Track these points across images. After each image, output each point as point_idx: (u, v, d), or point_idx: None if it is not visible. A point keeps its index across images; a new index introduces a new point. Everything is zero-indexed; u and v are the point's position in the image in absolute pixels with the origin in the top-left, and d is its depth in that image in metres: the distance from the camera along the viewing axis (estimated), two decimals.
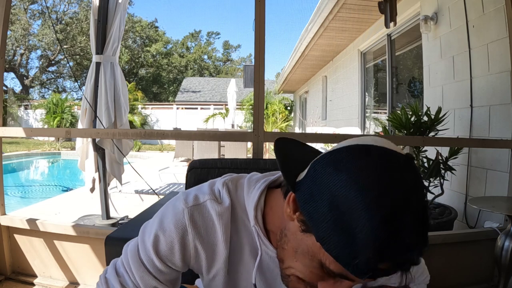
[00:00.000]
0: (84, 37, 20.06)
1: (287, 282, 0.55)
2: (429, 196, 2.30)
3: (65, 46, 20.49)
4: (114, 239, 1.01)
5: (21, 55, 21.41)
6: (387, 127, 2.90)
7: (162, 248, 0.61)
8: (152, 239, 0.61)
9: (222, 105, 15.95)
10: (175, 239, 0.60)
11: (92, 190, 2.68)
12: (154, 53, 26.31)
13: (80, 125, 2.61)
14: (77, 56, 21.17)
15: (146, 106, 16.36)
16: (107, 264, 0.98)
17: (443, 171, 2.23)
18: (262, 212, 0.62)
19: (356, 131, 5.35)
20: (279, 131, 11.30)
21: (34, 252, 1.95)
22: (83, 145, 2.61)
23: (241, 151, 7.17)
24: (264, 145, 1.78)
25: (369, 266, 0.43)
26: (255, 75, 1.76)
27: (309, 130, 9.41)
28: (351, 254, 0.43)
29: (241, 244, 0.63)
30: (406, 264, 0.45)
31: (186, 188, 1.37)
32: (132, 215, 2.74)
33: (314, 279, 0.51)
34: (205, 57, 30.80)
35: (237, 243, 0.63)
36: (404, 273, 0.48)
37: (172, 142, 13.52)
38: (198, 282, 0.93)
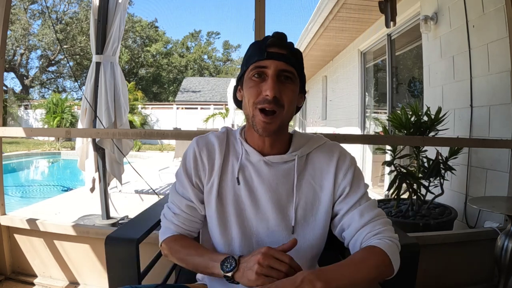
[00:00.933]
0: (84, 37, 20.06)
1: (255, 112, 0.80)
2: (429, 196, 2.31)
3: (65, 46, 20.50)
4: (114, 239, 1.01)
5: (21, 55, 21.41)
6: (387, 127, 2.90)
7: (186, 165, 0.87)
8: (180, 164, 0.89)
9: (222, 105, 15.94)
10: (190, 156, 0.87)
11: (92, 190, 2.67)
12: (154, 53, 26.29)
13: (80, 125, 2.60)
14: (77, 56, 21.16)
15: (146, 106, 16.36)
16: (107, 264, 0.99)
17: (443, 171, 2.23)
18: (245, 133, 0.89)
19: (356, 130, 5.36)
20: None
21: (34, 252, 1.95)
22: (83, 145, 2.61)
23: None
24: None
25: (262, 49, 0.78)
26: None
27: (309, 130, 9.41)
28: (253, 54, 0.80)
29: (229, 160, 0.86)
30: (279, 40, 0.79)
31: None
32: (132, 215, 2.74)
33: (255, 93, 0.78)
34: (205, 57, 30.80)
35: (226, 160, 0.86)
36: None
37: (172, 142, 13.52)
38: (198, 274, 0.98)
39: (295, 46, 0.83)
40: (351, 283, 0.67)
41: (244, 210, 0.83)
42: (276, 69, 0.77)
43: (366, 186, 0.86)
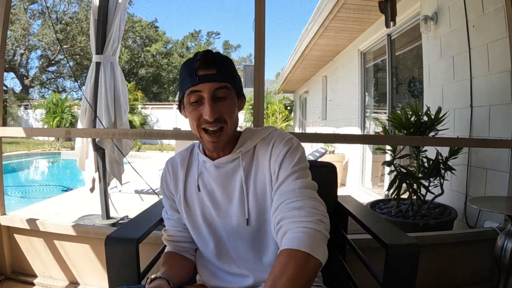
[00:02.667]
0: (84, 37, 20.03)
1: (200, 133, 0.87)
2: (429, 196, 2.31)
3: (65, 46, 20.48)
4: (114, 239, 1.01)
5: (21, 55, 21.40)
6: (387, 127, 2.90)
7: (161, 183, 1.00)
8: None
9: None
10: (162, 176, 1.00)
11: (92, 190, 2.67)
12: (154, 53, 26.26)
13: (80, 125, 2.60)
14: (77, 56, 21.14)
15: (146, 106, 16.35)
16: (107, 264, 0.99)
17: (443, 171, 2.23)
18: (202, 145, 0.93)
19: (356, 130, 5.35)
20: None
21: (34, 252, 1.95)
22: (83, 145, 2.60)
23: None
24: None
25: (193, 74, 0.81)
26: (255, 75, 1.76)
27: (309, 130, 9.40)
28: (186, 79, 0.83)
29: (191, 172, 0.95)
30: (206, 61, 0.81)
31: None
32: (132, 215, 2.73)
33: (196, 117, 0.83)
34: None
35: (189, 173, 0.95)
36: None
37: (172, 142, 13.51)
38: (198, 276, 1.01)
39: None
40: None
41: (208, 212, 0.91)
42: (210, 92, 0.81)
43: (300, 164, 0.82)
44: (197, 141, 1.00)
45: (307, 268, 0.64)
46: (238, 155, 0.89)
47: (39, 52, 22.11)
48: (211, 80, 0.80)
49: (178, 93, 0.90)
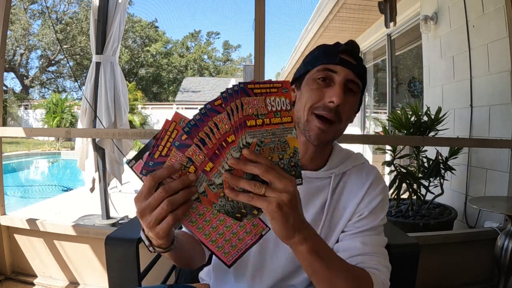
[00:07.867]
0: (84, 37, 20.05)
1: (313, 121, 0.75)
2: (429, 196, 2.31)
3: (65, 46, 20.48)
4: (114, 239, 1.01)
5: (21, 55, 21.41)
6: (387, 127, 2.90)
7: None
8: None
9: None
10: None
11: (92, 190, 2.67)
12: (154, 53, 26.29)
13: (80, 125, 2.60)
14: (77, 56, 21.16)
15: (146, 106, 16.37)
16: (107, 264, 0.99)
17: (443, 171, 2.23)
18: None
19: (356, 130, 5.36)
20: None
21: (34, 252, 1.95)
22: (83, 145, 2.61)
23: None
24: None
25: (334, 54, 0.75)
26: (255, 75, 1.76)
27: None
28: (321, 56, 0.77)
29: None
30: (353, 48, 0.77)
31: None
32: (132, 215, 2.74)
33: (315, 97, 0.73)
34: (205, 57, 30.77)
35: None
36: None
37: None
38: (202, 273, 0.97)
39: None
40: (326, 268, 0.60)
41: None
42: (345, 77, 0.73)
43: (384, 220, 0.80)
44: None
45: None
46: (330, 176, 0.79)
47: (39, 52, 22.14)
48: (351, 69, 0.73)
49: (297, 70, 0.81)
